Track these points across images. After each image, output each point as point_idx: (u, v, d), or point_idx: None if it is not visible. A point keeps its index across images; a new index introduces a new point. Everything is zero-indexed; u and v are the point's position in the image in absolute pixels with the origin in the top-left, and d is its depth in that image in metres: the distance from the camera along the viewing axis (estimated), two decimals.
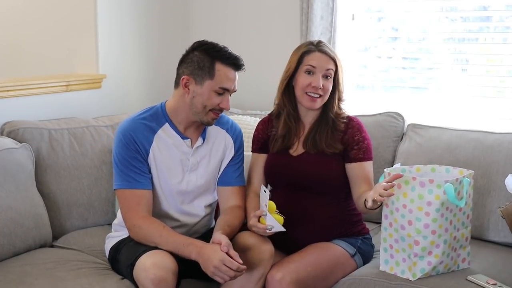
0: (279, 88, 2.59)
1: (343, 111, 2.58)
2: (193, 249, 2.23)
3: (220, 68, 2.35)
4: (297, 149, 2.55)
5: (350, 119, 2.56)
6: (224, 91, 2.37)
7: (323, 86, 2.47)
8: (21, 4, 3.66)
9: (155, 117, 2.44)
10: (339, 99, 2.56)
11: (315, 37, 3.23)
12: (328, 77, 2.49)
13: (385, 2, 3.40)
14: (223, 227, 2.34)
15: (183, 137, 2.45)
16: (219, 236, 2.24)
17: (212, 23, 3.77)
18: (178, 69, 2.44)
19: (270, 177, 2.59)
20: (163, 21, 3.71)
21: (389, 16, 3.43)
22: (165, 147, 2.43)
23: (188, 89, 2.38)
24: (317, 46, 2.52)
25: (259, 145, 2.64)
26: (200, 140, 2.48)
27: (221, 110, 2.41)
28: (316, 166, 2.48)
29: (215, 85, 2.35)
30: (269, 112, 2.72)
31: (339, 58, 2.56)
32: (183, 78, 2.38)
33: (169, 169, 2.43)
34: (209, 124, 2.44)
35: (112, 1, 3.41)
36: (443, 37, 3.28)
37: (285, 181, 2.54)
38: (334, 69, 2.50)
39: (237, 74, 2.40)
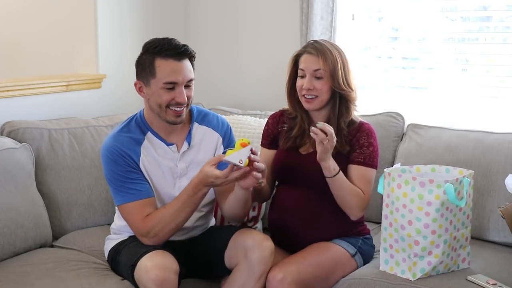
0: (286, 93, 2.58)
1: (352, 115, 2.52)
2: (198, 187, 2.25)
3: (160, 64, 2.28)
4: (307, 149, 2.55)
5: (361, 124, 2.53)
6: (174, 85, 2.29)
7: (314, 87, 2.45)
8: (22, 4, 3.66)
9: (138, 128, 2.40)
10: (345, 100, 2.50)
11: (315, 37, 3.23)
12: (320, 78, 2.46)
13: (385, 2, 3.40)
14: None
15: (168, 143, 2.41)
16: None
17: (211, 23, 3.77)
18: None
19: (277, 173, 2.57)
20: (163, 21, 3.70)
21: (389, 16, 3.43)
22: (153, 157, 2.39)
23: (143, 93, 2.35)
24: (306, 48, 2.51)
25: (269, 140, 2.63)
26: (185, 144, 2.43)
27: (178, 104, 2.31)
28: (319, 164, 2.47)
29: (159, 82, 2.28)
30: (270, 112, 2.70)
31: (335, 55, 2.46)
32: (135, 84, 2.36)
33: (160, 177, 2.40)
34: (175, 122, 2.35)
35: (112, 1, 3.40)
36: (443, 37, 3.27)
37: (291, 178, 2.54)
38: (324, 68, 2.45)
39: (186, 63, 2.31)
